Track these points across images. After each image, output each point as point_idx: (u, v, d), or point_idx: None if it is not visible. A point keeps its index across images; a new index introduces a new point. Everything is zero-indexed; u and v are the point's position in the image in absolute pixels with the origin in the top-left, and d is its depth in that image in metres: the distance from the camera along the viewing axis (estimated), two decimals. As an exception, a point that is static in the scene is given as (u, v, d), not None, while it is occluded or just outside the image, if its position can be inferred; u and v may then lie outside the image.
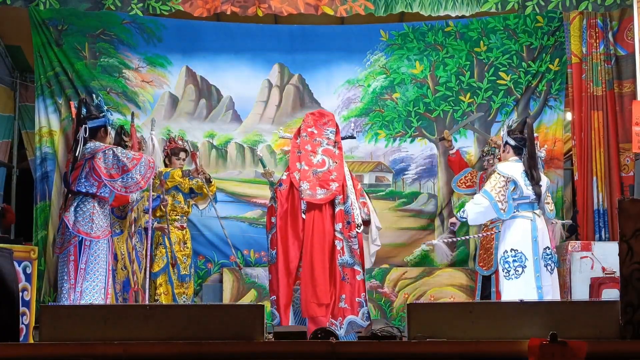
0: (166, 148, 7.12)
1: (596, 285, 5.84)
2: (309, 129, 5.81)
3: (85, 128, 5.48)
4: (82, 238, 5.38)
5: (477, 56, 7.81)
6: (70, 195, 5.59)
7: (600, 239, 6.76)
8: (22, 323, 5.24)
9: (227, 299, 7.26)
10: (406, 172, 7.88)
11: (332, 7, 6.38)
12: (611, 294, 5.48)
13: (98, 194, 5.47)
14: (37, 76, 7.51)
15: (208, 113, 7.89)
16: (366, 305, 5.62)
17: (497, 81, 7.79)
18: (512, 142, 5.76)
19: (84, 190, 5.46)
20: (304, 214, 5.60)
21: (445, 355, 3.31)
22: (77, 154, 5.48)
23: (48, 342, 3.38)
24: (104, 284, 5.40)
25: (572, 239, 7.13)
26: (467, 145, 7.78)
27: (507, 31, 7.76)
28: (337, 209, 5.64)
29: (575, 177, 7.20)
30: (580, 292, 6.13)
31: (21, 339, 4.75)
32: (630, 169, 6.84)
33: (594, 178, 6.92)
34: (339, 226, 5.62)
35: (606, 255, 6.17)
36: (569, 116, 7.73)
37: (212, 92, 7.91)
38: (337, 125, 5.90)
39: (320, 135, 5.80)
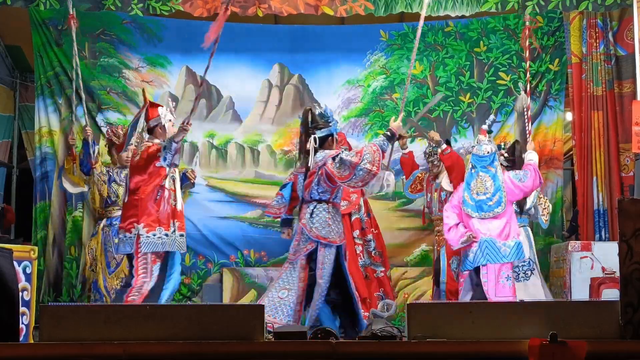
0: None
1: (596, 285, 5.84)
2: None
3: None
4: None
5: (477, 56, 7.80)
6: None
7: (600, 239, 6.76)
8: (22, 323, 5.23)
9: (227, 299, 7.26)
10: (406, 172, 7.85)
11: (332, 7, 6.38)
12: (611, 294, 5.48)
13: None
14: (37, 76, 7.51)
15: (208, 113, 7.88)
16: (386, 298, 6.16)
17: (497, 81, 7.77)
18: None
19: None
20: None
21: (445, 355, 3.32)
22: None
23: (48, 342, 3.39)
24: None
25: (572, 239, 7.14)
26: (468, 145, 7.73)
27: (507, 31, 7.75)
28: (353, 217, 6.50)
29: (576, 177, 7.20)
30: (580, 292, 6.13)
31: (21, 339, 4.74)
32: (630, 169, 6.84)
33: (594, 178, 6.92)
34: (356, 233, 6.50)
35: (606, 255, 6.17)
36: (569, 116, 7.73)
37: (212, 92, 7.90)
38: (348, 144, 6.51)
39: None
